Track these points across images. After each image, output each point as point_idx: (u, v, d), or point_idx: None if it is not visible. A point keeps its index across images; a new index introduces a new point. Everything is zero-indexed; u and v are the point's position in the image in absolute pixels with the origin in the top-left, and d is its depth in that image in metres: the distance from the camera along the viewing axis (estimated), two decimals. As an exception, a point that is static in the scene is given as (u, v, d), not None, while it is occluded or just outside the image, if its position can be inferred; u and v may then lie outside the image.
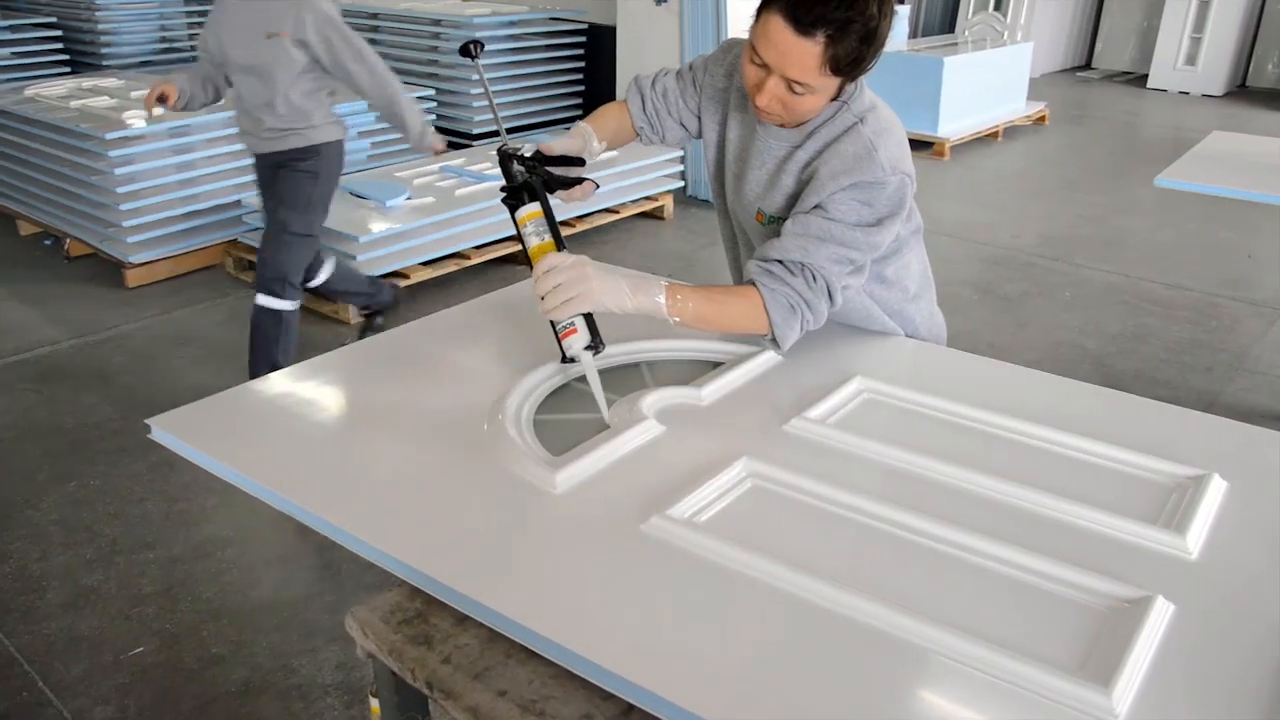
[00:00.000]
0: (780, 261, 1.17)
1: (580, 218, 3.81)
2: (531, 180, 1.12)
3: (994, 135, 5.66)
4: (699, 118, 1.34)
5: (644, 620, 0.80)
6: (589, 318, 1.10)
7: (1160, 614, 0.81)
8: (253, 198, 3.48)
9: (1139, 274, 3.64)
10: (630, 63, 4.39)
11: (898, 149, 1.18)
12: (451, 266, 3.40)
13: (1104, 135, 5.91)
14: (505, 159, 1.13)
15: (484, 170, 3.77)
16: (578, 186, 1.17)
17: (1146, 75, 7.65)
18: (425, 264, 3.31)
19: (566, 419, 1.13)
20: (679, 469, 1.00)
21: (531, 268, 1.10)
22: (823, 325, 1.22)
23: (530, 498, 0.96)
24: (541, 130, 4.62)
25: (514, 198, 1.12)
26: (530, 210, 1.12)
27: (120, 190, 3.33)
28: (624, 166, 3.94)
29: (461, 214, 3.42)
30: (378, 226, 3.21)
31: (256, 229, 3.46)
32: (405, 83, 4.44)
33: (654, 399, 1.14)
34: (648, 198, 4.12)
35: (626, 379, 1.23)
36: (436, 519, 0.93)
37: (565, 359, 1.10)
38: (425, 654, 0.85)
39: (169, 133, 3.45)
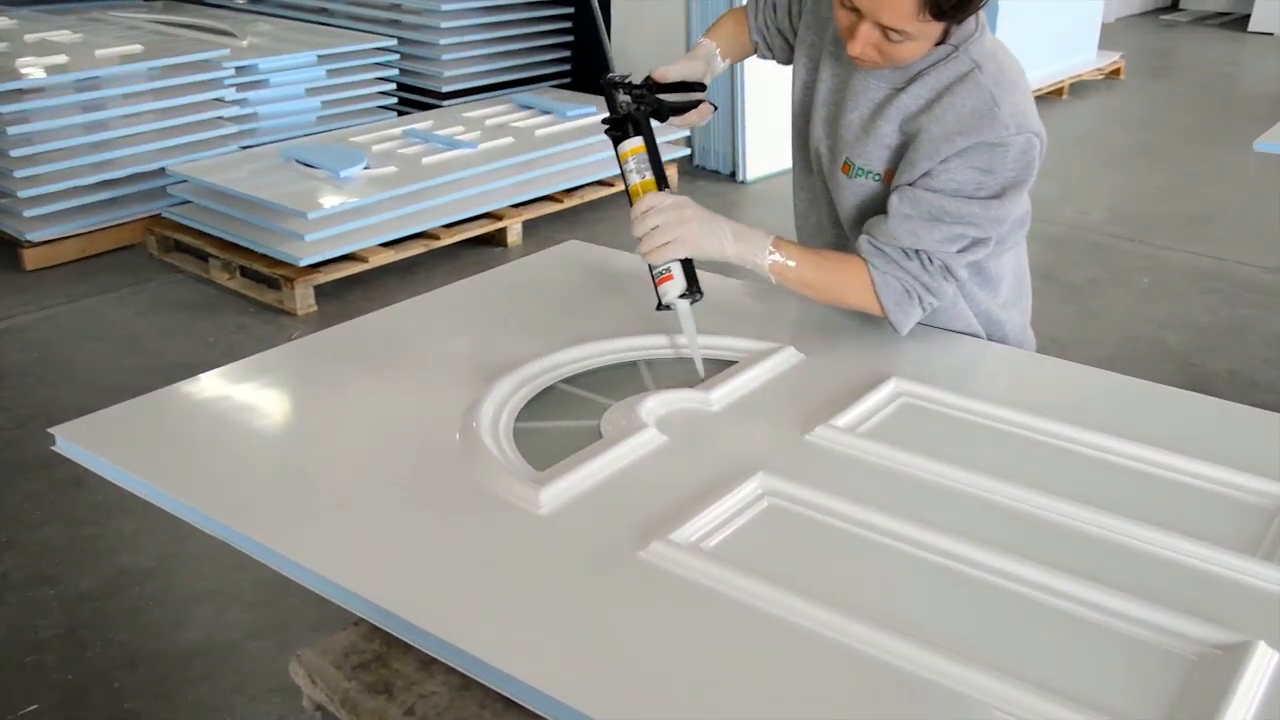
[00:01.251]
0: (891, 245, 1.20)
1: (568, 191, 3.82)
2: (636, 112, 1.19)
3: (1058, 93, 5.65)
4: (793, 42, 1.37)
5: (642, 663, 0.81)
6: (688, 264, 1.18)
7: (1262, 663, 0.80)
8: (180, 164, 3.50)
9: (1233, 256, 3.64)
10: (627, 11, 4.39)
11: (1024, 103, 1.17)
12: (417, 248, 3.41)
13: (1192, 90, 5.89)
14: (610, 87, 1.20)
15: (455, 134, 3.78)
16: (693, 111, 1.25)
17: (1248, 16, 7.55)
18: (387, 245, 3.32)
19: (553, 427, 1.14)
20: (683, 486, 1.01)
21: (631, 206, 1.19)
22: (946, 303, 1.25)
23: (510, 519, 0.97)
24: (524, 88, 4.63)
25: (617, 129, 1.20)
26: (633, 145, 1.19)
27: (14, 154, 3.30)
28: (620, 130, 3.95)
29: (429, 186, 3.43)
30: (329, 201, 3.22)
31: (185, 202, 3.47)
32: (362, 32, 4.48)
33: (654, 404, 1.15)
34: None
35: (622, 380, 1.24)
36: (398, 545, 0.94)
37: (660, 306, 1.18)
38: (385, 705, 0.86)
39: (75, 85, 3.43)
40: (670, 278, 1.17)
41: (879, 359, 1.26)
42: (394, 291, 3.22)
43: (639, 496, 1.00)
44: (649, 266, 1.19)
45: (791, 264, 1.19)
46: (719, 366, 1.26)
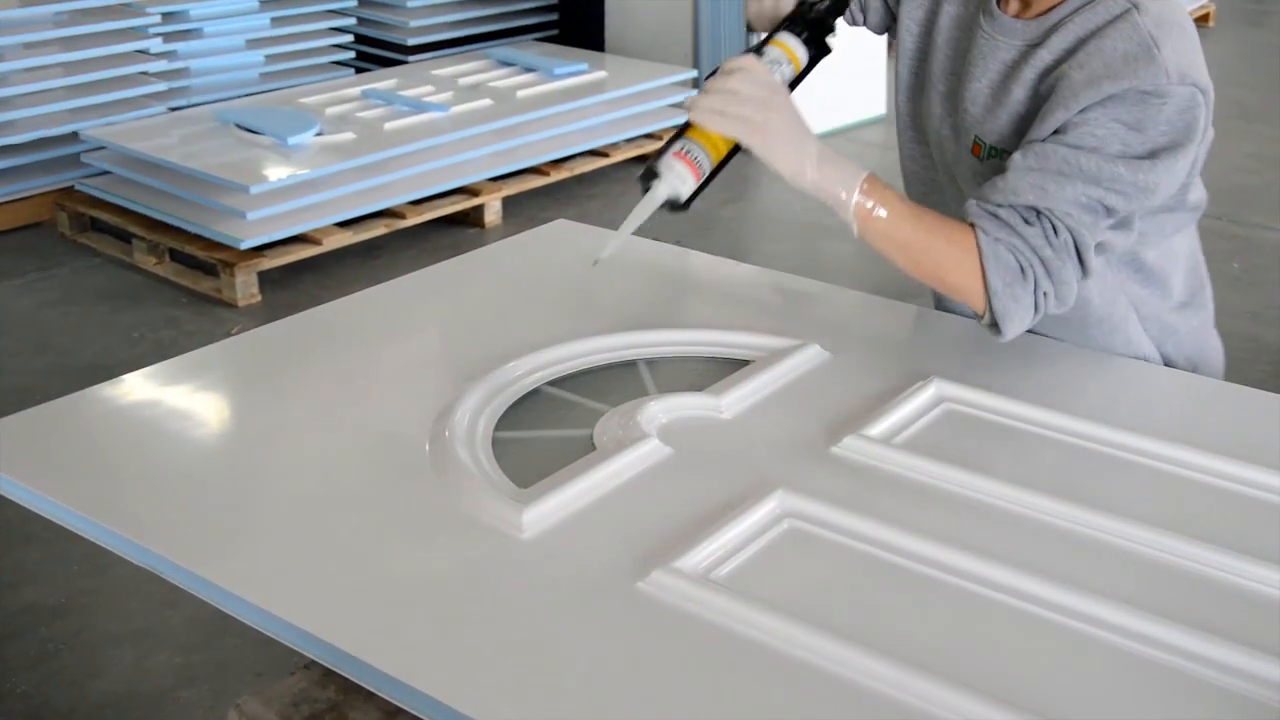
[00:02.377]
0: (1009, 206, 1.13)
1: (555, 163, 3.83)
2: (827, 22, 1.20)
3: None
4: (893, 6, 1.35)
5: (643, 713, 0.81)
6: (716, 170, 1.13)
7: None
8: (96, 128, 3.50)
9: (1338, 239, 3.65)
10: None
11: (1189, 51, 1.13)
12: (379, 228, 3.42)
13: (1292, 42, 5.90)
14: None
15: (423, 95, 3.79)
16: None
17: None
18: (343, 225, 3.34)
19: (538, 437, 1.15)
20: (690, 506, 1.02)
21: None
22: (1067, 306, 1.16)
23: (488, 545, 0.97)
24: (504, 41, 4.64)
25: (794, 25, 1.20)
26: (787, 43, 1.18)
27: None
28: (614, 93, 3.96)
29: (393, 156, 3.44)
30: (275, 173, 3.23)
31: (102, 173, 3.48)
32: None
33: (656, 410, 1.16)
34: (648, 136, 4.14)
35: (619, 383, 1.25)
36: (357, 575, 0.94)
37: (647, 179, 1.12)
38: (340, 761, 0.86)
39: (-39, 34, 3.44)
40: (689, 162, 1.10)
41: (918, 358, 1.27)
42: (352, 279, 3.23)
43: (638, 518, 1.01)
44: (678, 131, 1.12)
45: (883, 213, 1.11)
46: (731, 366, 1.27)
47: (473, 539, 0.98)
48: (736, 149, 1.14)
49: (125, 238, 3.39)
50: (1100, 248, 1.16)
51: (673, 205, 1.12)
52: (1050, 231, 1.12)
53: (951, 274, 1.15)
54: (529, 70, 4.06)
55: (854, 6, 1.39)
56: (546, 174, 3.80)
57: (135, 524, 1.00)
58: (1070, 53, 1.14)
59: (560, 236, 1.65)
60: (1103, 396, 1.21)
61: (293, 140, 3.36)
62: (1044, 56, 1.16)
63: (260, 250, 3.17)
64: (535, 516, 0.99)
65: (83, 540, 1.03)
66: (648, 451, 1.09)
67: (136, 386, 1.25)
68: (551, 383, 1.24)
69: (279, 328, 1.39)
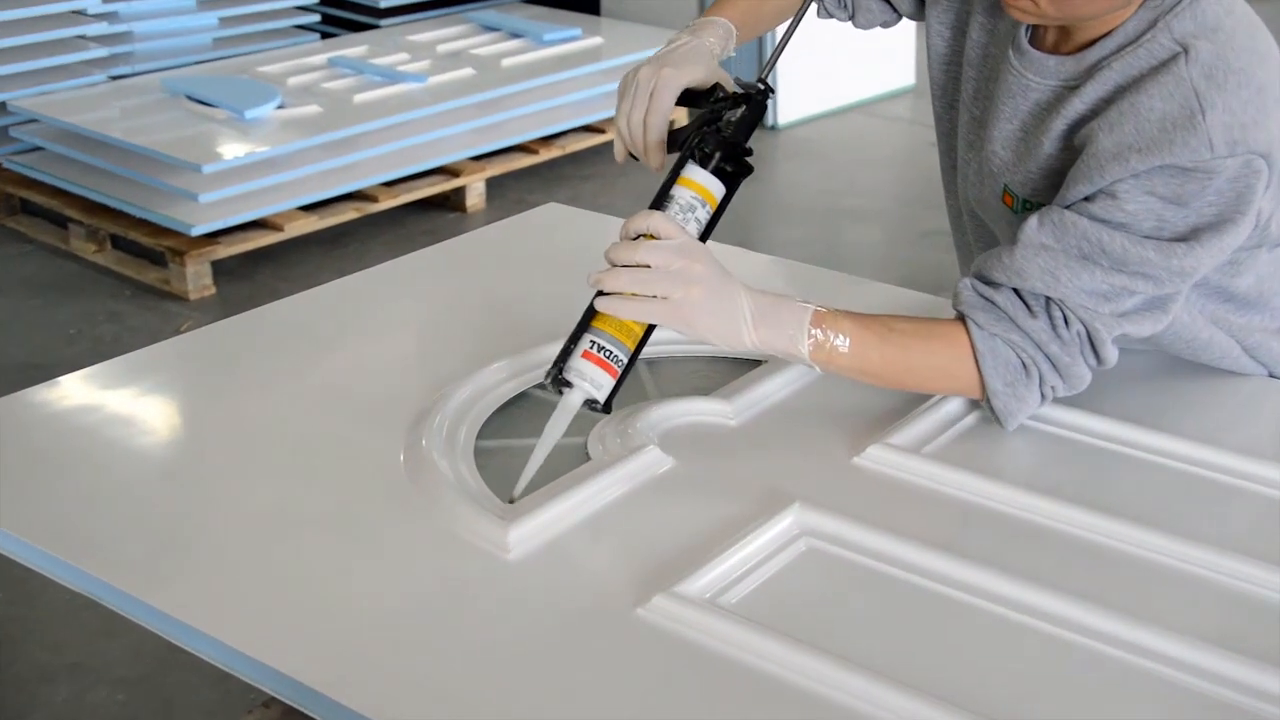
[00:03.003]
0: (1011, 290, 1.10)
1: (545, 140, 3.83)
2: (739, 138, 1.11)
3: None
4: (915, 5, 1.29)
5: (642, 757, 0.81)
6: (633, 359, 1.07)
7: None
8: (27, 98, 3.49)
9: None
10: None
11: (1251, 107, 1.03)
12: (349, 213, 3.42)
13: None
14: (737, 98, 1.13)
15: (397, 64, 3.80)
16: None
17: None
18: (308, 209, 3.34)
19: (526, 445, 1.15)
20: (695, 524, 1.02)
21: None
22: (1082, 388, 1.12)
23: (469, 566, 0.97)
24: (487, 3, 4.64)
25: (702, 146, 1.10)
26: (697, 180, 1.09)
27: None
28: (610, 62, 3.96)
29: (364, 133, 3.44)
30: (231, 150, 3.24)
31: (34, 149, 3.47)
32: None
33: (658, 416, 1.16)
34: (649, 107, 4.14)
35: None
36: (322, 602, 0.94)
37: (553, 381, 1.07)
38: (303, 809, 0.86)
39: None
40: (601, 362, 1.05)
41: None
42: (317, 269, 3.23)
43: (637, 537, 1.01)
44: (584, 317, 1.06)
45: (843, 343, 1.08)
46: (741, 367, 1.27)
47: (452, 560, 0.98)
48: (652, 328, 1.08)
49: (61, 222, 3.39)
50: (1127, 334, 1.11)
51: (593, 407, 1.07)
52: (1060, 322, 1.09)
53: (943, 382, 1.14)
54: (515, 36, 4.07)
55: (834, 6, 1.33)
56: (535, 152, 3.80)
57: (70, 544, 1.00)
58: (1106, 104, 1.08)
59: (550, 222, 1.65)
60: (1166, 404, 1.20)
61: (250, 114, 3.36)
62: (1077, 105, 1.10)
63: (214, 237, 3.17)
64: (522, 535, 0.99)
65: (12, 563, 1.03)
66: (648, 462, 1.09)
67: (74, 389, 1.25)
68: (540, 385, 1.24)
69: (234, 324, 1.39)
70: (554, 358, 1.07)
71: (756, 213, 3.59)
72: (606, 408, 1.07)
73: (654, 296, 1.04)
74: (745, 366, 1.27)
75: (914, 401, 1.18)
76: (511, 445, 1.15)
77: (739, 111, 1.13)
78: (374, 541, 1.01)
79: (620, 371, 1.06)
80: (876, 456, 1.10)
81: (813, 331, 1.08)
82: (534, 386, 1.23)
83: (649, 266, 1.04)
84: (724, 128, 1.12)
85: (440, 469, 1.07)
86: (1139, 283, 1.07)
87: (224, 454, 1.13)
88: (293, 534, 1.01)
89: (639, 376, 1.26)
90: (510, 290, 1.45)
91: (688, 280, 1.04)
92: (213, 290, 3.17)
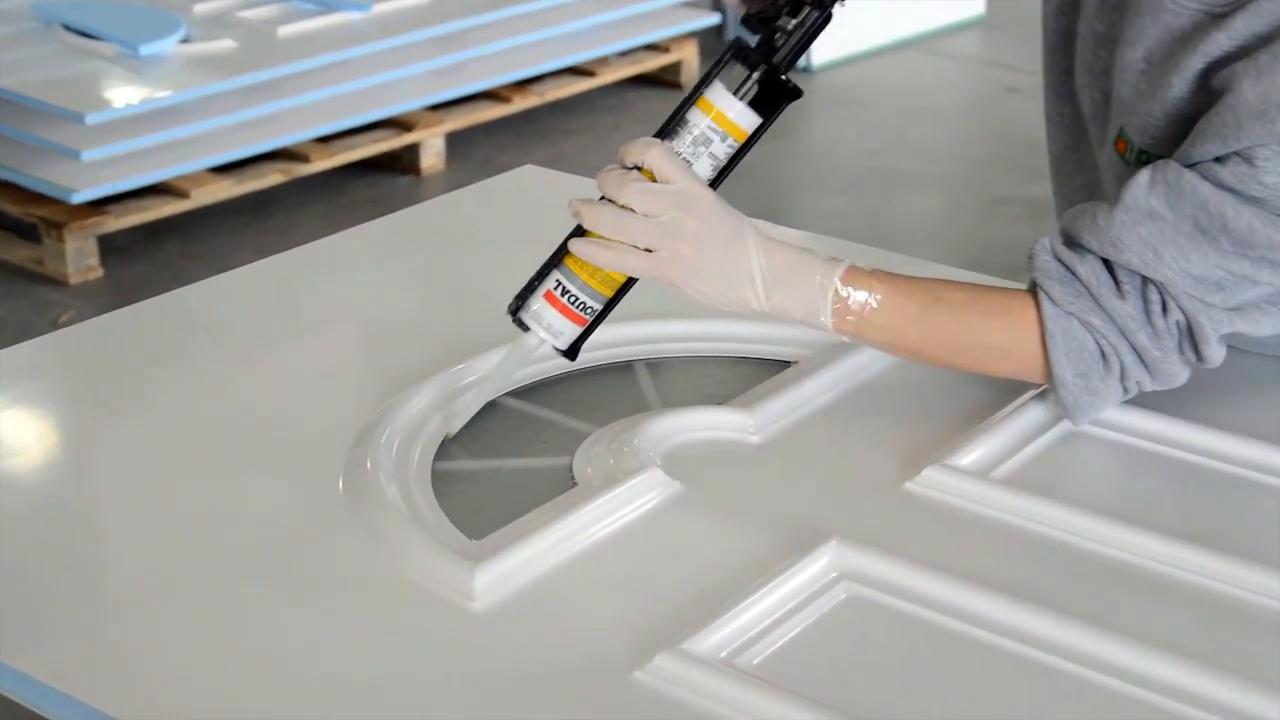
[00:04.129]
0: (1100, 261, 1.10)
1: (520, 85, 3.83)
2: (776, 58, 1.10)
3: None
4: None
5: None
6: (613, 303, 1.11)
7: None
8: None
9: None
10: None
11: None
12: (273, 176, 3.43)
13: None
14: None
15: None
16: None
17: None
18: (222, 170, 3.34)
19: (497, 469, 1.16)
20: (707, 565, 1.02)
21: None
22: (1177, 385, 1.14)
23: (427, 619, 0.97)
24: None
25: (744, 61, 1.09)
26: (722, 107, 1.09)
27: None
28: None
29: (291, 75, 3.45)
30: (122, 95, 3.24)
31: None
32: None
33: (660, 431, 1.17)
34: (650, 47, 4.15)
35: (609, 392, 1.26)
36: (241, 665, 0.94)
37: (513, 314, 1.12)
38: None
39: None
40: (565, 309, 1.10)
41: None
42: (234, 247, 3.24)
43: (635, 581, 1.01)
44: (558, 248, 1.12)
45: (876, 310, 1.10)
46: (764, 370, 1.27)
47: (404, 612, 0.98)
48: (632, 280, 1.12)
49: (-90, 188, 3.40)
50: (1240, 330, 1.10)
51: (562, 352, 1.12)
52: (1156, 309, 1.09)
53: (1000, 363, 1.14)
54: (482, -46, 4.07)
55: None
56: (507, 100, 3.81)
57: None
58: (1259, 43, 1.06)
59: (527, 188, 1.65)
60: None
61: (146, 49, 3.36)
62: (1220, 40, 1.09)
63: (101, 206, 3.17)
64: (492, 580, 0.99)
65: None
66: (649, 488, 1.09)
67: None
68: (515, 392, 1.24)
69: (127, 316, 1.40)
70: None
71: (785, 176, 3.59)
72: (570, 354, 1.11)
73: (637, 252, 1.08)
74: (770, 369, 1.28)
75: (982, 412, 1.19)
76: (479, 469, 1.16)
77: (801, 17, 1.11)
78: (304, 589, 1.01)
79: (590, 320, 1.11)
80: (935, 481, 1.10)
81: (840, 292, 1.10)
82: (506, 394, 1.24)
83: (635, 215, 1.07)
84: (776, 37, 1.11)
85: (388, 497, 1.07)
86: (1264, 272, 1.07)
87: (113, 481, 1.13)
88: (201, 582, 1.01)
89: (636, 381, 1.27)
90: (476, 274, 1.45)
91: (677, 235, 1.07)
92: (99, 273, 3.17)
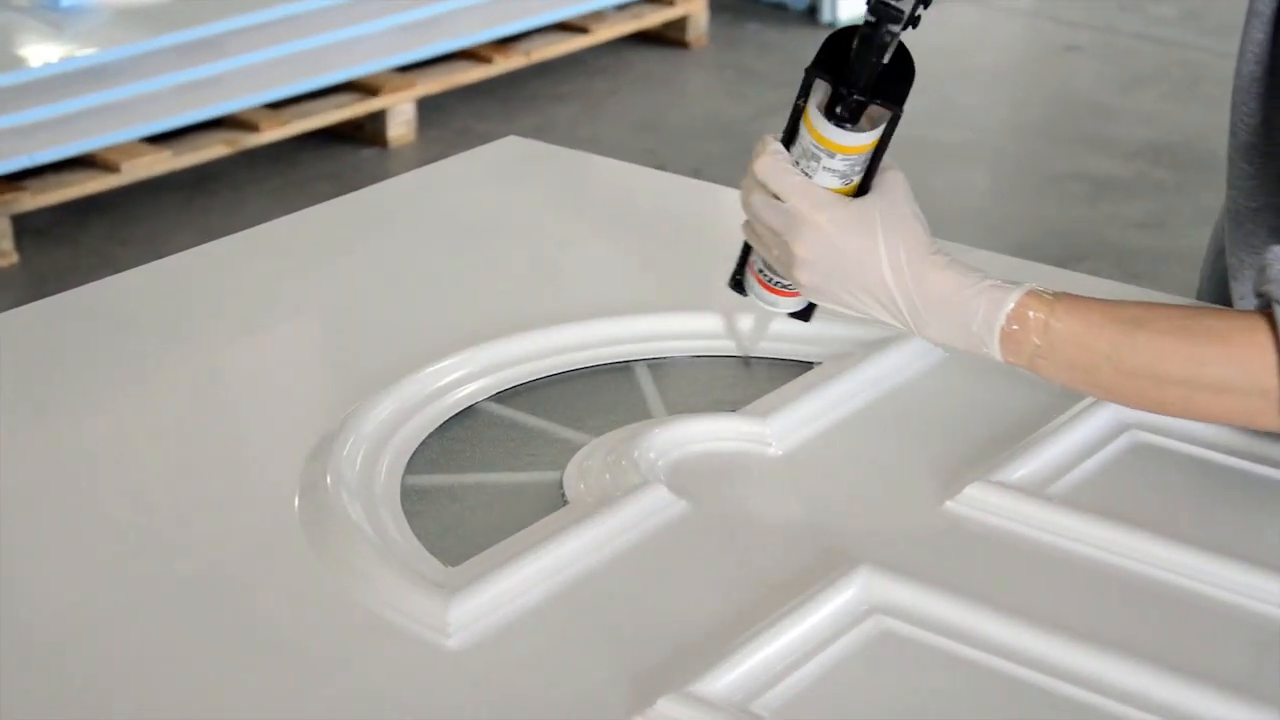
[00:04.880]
0: None
1: (501, 44, 3.83)
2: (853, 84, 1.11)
3: None
4: None
5: None
6: None
7: None
8: None
9: None
10: None
11: None
12: (216, 147, 3.43)
13: None
14: None
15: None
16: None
17: None
18: (157, 140, 3.34)
19: (477, 484, 1.16)
20: (718, 595, 1.02)
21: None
22: None
23: (395, 659, 0.98)
24: None
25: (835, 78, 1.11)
26: (816, 125, 1.12)
27: None
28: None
29: (236, 30, 3.45)
30: (39, 53, 3.24)
31: None
32: None
33: (665, 441, 1.17)
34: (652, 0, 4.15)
35: (606, 397, 1.26)
36: (179, 716, 0.94)
37: (735, 285, 1.22)
38: None
39: None
40: (768, 286, 1.20)
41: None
42: (172, 228, 3.24)
43: (635, 614, 1.01)
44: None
45: (1074, 342, 1.09)
46: (782, 373, 1.28)
47: (370, 650, 0.98)
48: None
49: None
50: None
51: (802, 317, 1.22)
52: None
53: (1215, 400, 1.09)
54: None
55: None
56: (488, 61, 3.81)
57: None
58: None
59: (510, 162, 1.66)
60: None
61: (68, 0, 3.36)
62: None
63: (16, 180, 3.17)
64: (470, 613, 0.99)
65: None
66: (650, 507, 1.10)
67: None
68: (498, 396, 1.25)
69: (46, 309, 1.39)
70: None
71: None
72: (803, 316, 1.21)
73: (771, 255, 1.15)
74: (789, 371, 1.28)
75: (1034, 420, 1.19)
76: (455, 484, 1.16)
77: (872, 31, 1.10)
78: (253, 626, 1.00)
79: (786, 292, 1.19)
80: (979, 500, 1.11)
81: (1011, 325, 1.10)
82: (488, 398, 1.24)
83: (758, 217, 1.13)
84: (856, 52, 1.11)
85: (351, 518, 1.07)
86: None
87: (22, 504, 1.13)
88: (128, 620, 1.01)
89: (636, 384, 1.28)
90: (452, 261, 1.46)
91: (789, 260, 1.12)
92: (14, 258, 3.17)
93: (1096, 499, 1.12)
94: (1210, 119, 4.00)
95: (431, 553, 1.06)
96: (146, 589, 1.04)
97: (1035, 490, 1.12)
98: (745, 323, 1.30)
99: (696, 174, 2.90)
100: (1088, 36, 4.45)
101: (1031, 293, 1.10)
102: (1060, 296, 1.10)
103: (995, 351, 1.11)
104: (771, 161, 1.11)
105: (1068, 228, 3.34)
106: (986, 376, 1.25)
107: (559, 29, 3.93)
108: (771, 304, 1.20)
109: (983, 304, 1.10)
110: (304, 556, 1.06)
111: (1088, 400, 1.20)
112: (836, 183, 1.12)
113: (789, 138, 1.13)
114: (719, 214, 1.61)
